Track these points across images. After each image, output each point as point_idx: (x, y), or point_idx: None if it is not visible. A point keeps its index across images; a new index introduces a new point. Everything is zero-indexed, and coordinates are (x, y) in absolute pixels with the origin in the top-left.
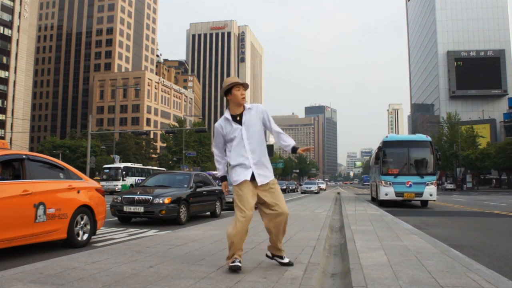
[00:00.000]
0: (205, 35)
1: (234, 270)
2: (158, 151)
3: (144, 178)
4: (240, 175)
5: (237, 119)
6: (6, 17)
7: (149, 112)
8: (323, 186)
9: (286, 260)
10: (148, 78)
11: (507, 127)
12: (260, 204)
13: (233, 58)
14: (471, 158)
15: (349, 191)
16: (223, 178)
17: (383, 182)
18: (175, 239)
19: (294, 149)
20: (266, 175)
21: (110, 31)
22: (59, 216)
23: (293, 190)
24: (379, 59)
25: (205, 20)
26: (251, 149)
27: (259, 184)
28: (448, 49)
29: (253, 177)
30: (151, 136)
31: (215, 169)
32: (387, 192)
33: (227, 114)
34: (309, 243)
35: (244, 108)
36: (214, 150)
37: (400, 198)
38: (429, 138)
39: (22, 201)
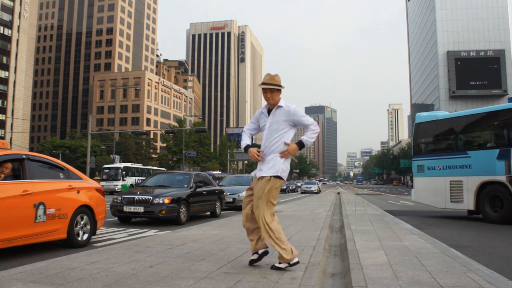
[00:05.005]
0: (205, 35)
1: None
2: (158, 151)
3: (144, 178)
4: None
5: (269, 113)
6: (6, 17)
7: (149, 112)
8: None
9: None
10: (148, 78)
11: None
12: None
13: (233, 58)
14: None
15: (349, 191)
16: (248, 147)
17: None
18: (175, 239)
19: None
20: (265, 170)
21: (110, 31)
22: (59, 216)
23: (293, 190)
24: (379, 59)
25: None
26: (265, 144)
27: (257, 176)
28: (448, 49)
29: None
30: (151, 136)
31: (215, 169)
32: None
33: (266, 105)
34: (309, 243)
35: (275, 105)
36: (246, 126)
37: None
38: None
39: (22, 201)
